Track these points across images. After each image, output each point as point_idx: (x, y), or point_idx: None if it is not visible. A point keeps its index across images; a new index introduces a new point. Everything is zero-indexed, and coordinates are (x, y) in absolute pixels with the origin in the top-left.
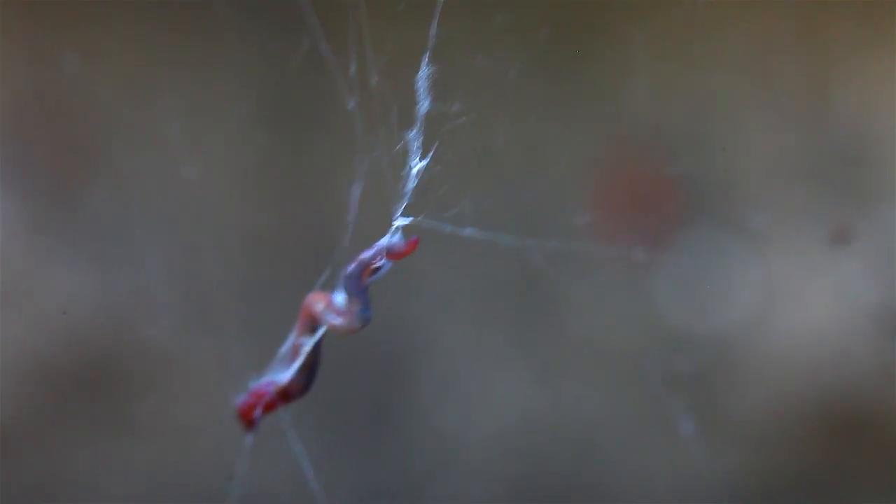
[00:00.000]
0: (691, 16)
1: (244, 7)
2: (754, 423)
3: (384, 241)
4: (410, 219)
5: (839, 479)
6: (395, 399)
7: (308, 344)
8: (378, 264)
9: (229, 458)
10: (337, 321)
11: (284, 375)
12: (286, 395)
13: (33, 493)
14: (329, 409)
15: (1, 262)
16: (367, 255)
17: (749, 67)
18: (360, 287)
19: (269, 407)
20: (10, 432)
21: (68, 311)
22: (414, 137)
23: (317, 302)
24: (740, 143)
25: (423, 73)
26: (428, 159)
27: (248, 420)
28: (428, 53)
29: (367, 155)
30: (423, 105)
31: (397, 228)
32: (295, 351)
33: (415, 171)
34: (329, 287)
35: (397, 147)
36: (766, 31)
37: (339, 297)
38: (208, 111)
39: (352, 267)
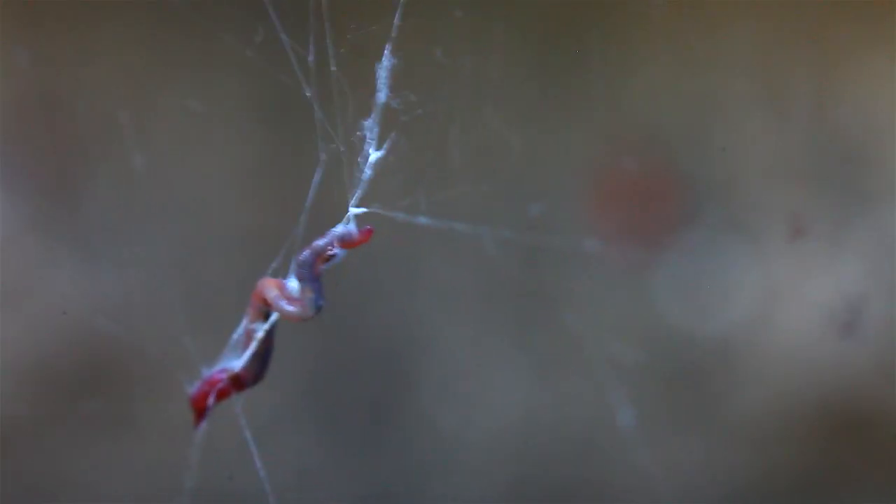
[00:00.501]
0: (691, 15)
1: (245, 6)
2: (754, 423)
3: (338, 230)
4: (364, 209)
5: (839, 479)
6: (394, 399)
7: (261, 330)
8: (332, 252)
9: (229, 458)
10: (289, 308)
11: (237, 363)
12: (239, 382)
13: (33, 493)
14: (329, 408)
15: (1, 262)
16: (320, 242)
17: (749, 67)
18: (312, 275)
19: (222, 394)
20: (10, 432)
21: (68, 311)
22: (370, 126)
23: (269, 288)
24: (740, 143)
25: (385, 64)
26: (384, 150)
27: (200, 408)
28: (390, 45)
29: (326, 143)
30: (381, 95)
31: (351, 217)
32: (248, 337)
33: (371, 160)
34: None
35: (352, 137)
36: (766, 31)
37: (292, 284)
38: (209, 111)
39: (305, 254)
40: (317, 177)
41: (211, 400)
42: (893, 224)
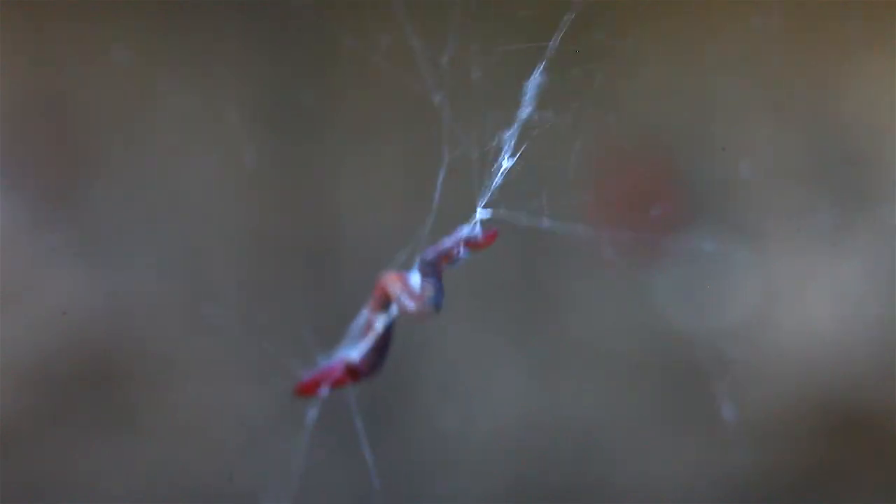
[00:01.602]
0: (691, 15)
1: (247, 6)
2: (754, 423)
3: (464, 231)
4: (491, 211)
5: (839, 479)
6: (395, 399)
7: (381, 322)
8: (458, 253)
9: (229, 458)
10: (409, 304)
11: (354, 353)
12: (356, 373)
13: (33, 493)
14: (329, 408)
15: (1, 262)
16: (446, 243)
17: (749, 67)
18: (435, 273)
19: (338, 384)
20: (10, 432)
21: (68, 311)
22: (509, 138)
23: (393, 282)
24: (740, 143)
25: (535, 81)
26: (516, 158)
27: (309, 395)
28: (543, 63)
29: (454, 147)
30: (526, 110)
31: (478, 220)
32: (368, 328)
33: (504, 168)
34: (405, 268)
35: (488, 146)
36: (766, 32)
37: (415, 279)
38: (209, 111)
39: (430, 253)
40: (440, 177)
41: (325, 389)
42: (893, 224)
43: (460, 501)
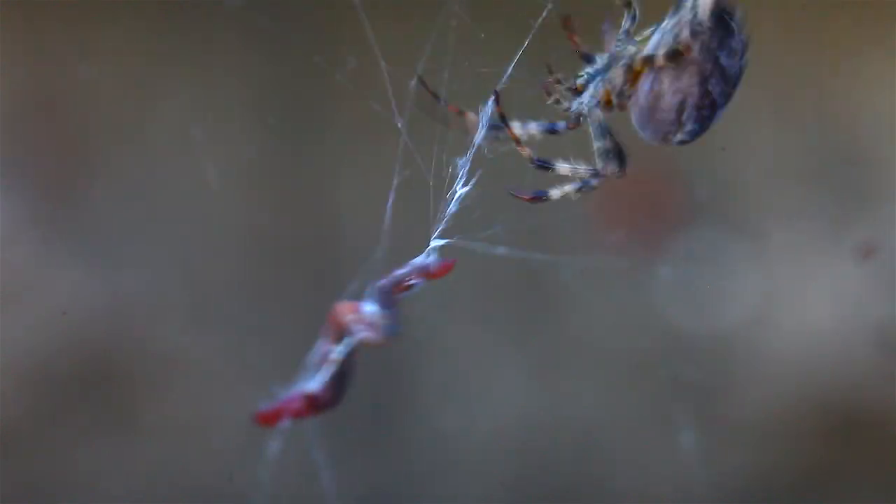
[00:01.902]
0: None
1: (247, 7)
2: (754, 424)
3: (419, 261)
4: (446, 240)
5: (839, 479)
6: (395, 399)
7: (337, 353)
8: (411, 283)
9: (229, 458)
10: (364, 334)
11: (313, 384)
12: (315, 404)
13: (33, 493)
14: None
15: (1, 262)
16: (400, 272)
17: (749, 67)
18: (390, 302)
19: (297, 415)
20: (10, 432)
21: (68, 312)
22: (462, 164)
23: (345, 312)
24: (740, 143)
25: (489, 106)
26: (471, 186)
27: (269, 426)
28: (500, 87)
29: (406, 170)
30: (479, 135)
31: (433, 249)
32: (324, 359)
33: (458, 195)
34: (356, 296)
35: (443, 172)
36: (766, 31)
37: (369, 307)
38: (209, 111)
39: (384, 282)
40: (390, 199)
41: (285, 421)
42: (893, 224)
43: (460, 501)
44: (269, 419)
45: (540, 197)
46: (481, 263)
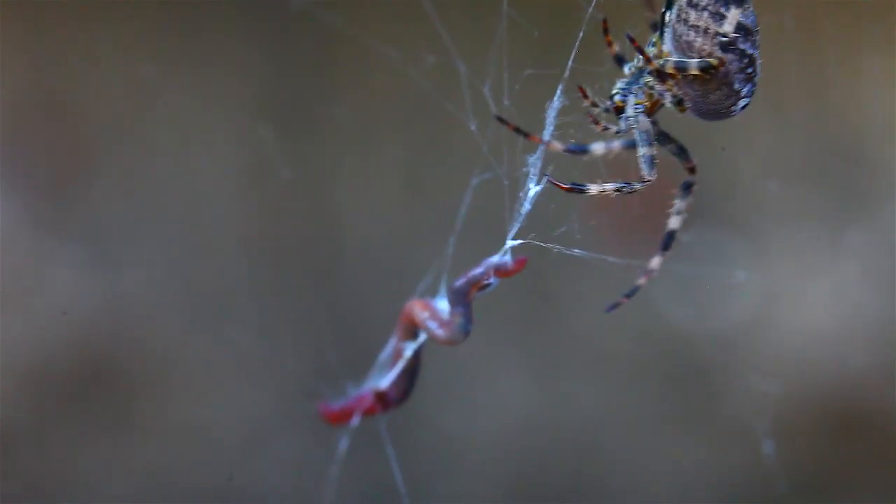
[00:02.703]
0: None
1: (246, 7)
2: (754, 423)
3: (493, 259)
4: (521, 241)
5: (839, 478)
6: None
7: (409, 349)
8: (487, 282)
9: (229, 458)
10: (438, 331)
11: (384, 381)
12: (386, 400)
13: (33, 493)
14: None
15: (1, 262)
16: (475, 272)
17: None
18: (465, 301)
19: (369, 412)
20: (10, 432)
21: (68, 312)
22: (534, 162)
23: (420, 309)
24: (740, 143)
25: (555, 104)
26: (543, 184)
27: (339, 424)
28: (561, 86)
29: (485, 172)
30: (546, 133)
31: (507, 249)
32: (396, 355)
33: (531, 194)
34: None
35: (516, 172)
36: (766, 31)
37: (442, 305)
38: (209, 111)
39: (460, 282)
40: (466, 199)
41: (356, 418)
42: (893, 224)
43: (461, 501)
44: (338, 417)
45: (578, 189)
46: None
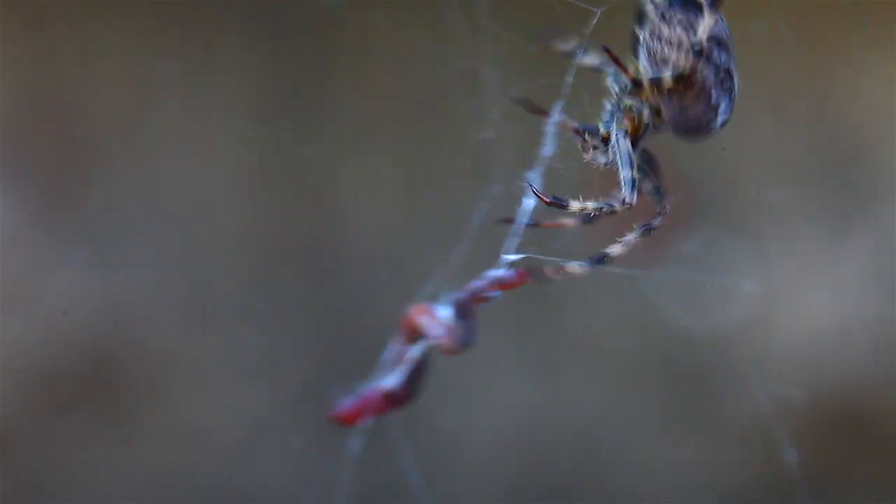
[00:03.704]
0: None
1: (246, 8)
2: (754, 423)
3: (495, 273)
4: (520, 256)
5: (839, 478)
6: None
7: (413, 351)
8: (488, 294)
9: (229, 458)
10: (439, 340)
11: (390, 381)
12: (396, 400)
13: (33, 493)
14: (329, 408)
15: (1, 262)
16: (478, 284)
17: (749, 68)
18: (467, 313)
19: (377, 413)
20: (10, 432)
21: (68, 312)
22: (533, 178)
23: (421, 315)
24: (740, 143)
25: (553, 119)
26: (537, 196)
27: (350, 423)
28: (562, 103)
29: (490, 184)
30: (547, 148)
31: (507, 263)
32: (398, 358)
33: (529, 209)
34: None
35: (515, 185)
36: (766, 32)
37: (444, 312)
38: (209, 111)
39: (462, 294)
40: (478, 213)
41: (367, 418)
42: (894, 224)
43: (460, 501)
44: (349, 418)
45: (559, 203)
46: (480, 263)
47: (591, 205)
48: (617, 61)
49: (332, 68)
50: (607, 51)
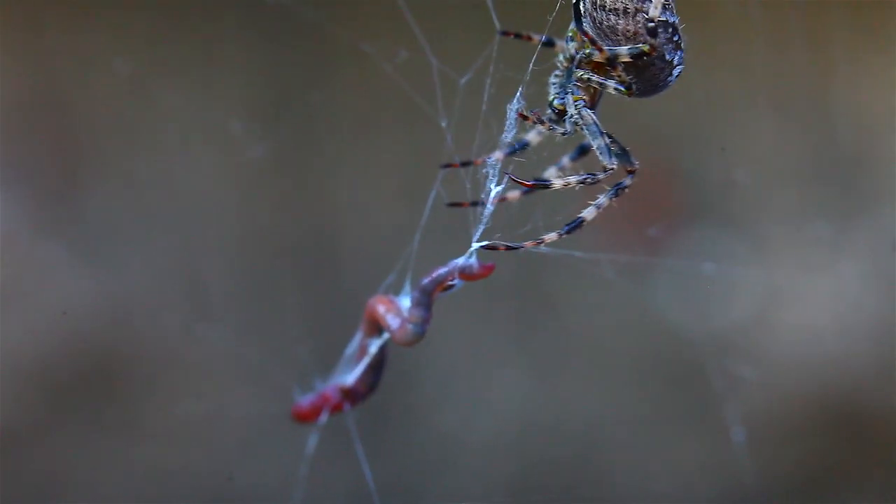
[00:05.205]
0: (691, 16)
1: (245, 9)
2: (754, 423)
3: (459, 261)
4: (486, 242)
5: (839, 478)
6: (395, 399)
7: (374, 345)
8: (451, 282)
9: (229, 458)
10: (394, 325)
11: (349, 377)
12: (353, 395)
13: (33, 493)
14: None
15: (1, 262)
16: (442, 271)
17: (749, 67)
18: (427, 302)
19: (336, 408)
20: (11, 432)
21: (68, 312)
22: (493, 164)
23: (379, 304)
24: (740, 143)
25: (515, 105)
26: (504, 184)
27: (309, 421)
28: (521, 88)
29: (449, 169)
30: (507, 135)
31: (473, 251)
32: (362, 351)
33: (493, 195)
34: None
35: (478, 174)
36: (767, 32)
37: (405, 303)
38: (208, 112)
39: (426, 280)
40: (430, 199)
41: (324, 415)
42: (893, 224)
43: (460, 501)
44: (307, 415)
45: (542, 184)
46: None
47: (573, 179)
48: (594, 42)
49: (332, 69)
50: (584, 33)
